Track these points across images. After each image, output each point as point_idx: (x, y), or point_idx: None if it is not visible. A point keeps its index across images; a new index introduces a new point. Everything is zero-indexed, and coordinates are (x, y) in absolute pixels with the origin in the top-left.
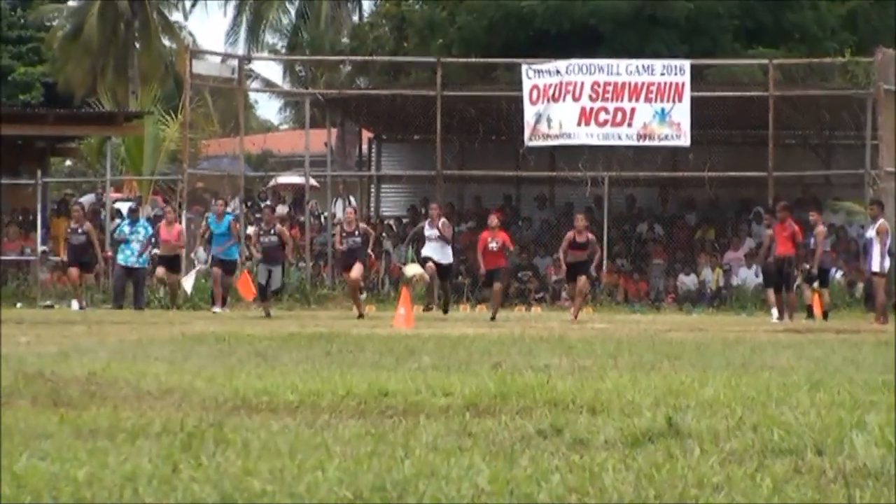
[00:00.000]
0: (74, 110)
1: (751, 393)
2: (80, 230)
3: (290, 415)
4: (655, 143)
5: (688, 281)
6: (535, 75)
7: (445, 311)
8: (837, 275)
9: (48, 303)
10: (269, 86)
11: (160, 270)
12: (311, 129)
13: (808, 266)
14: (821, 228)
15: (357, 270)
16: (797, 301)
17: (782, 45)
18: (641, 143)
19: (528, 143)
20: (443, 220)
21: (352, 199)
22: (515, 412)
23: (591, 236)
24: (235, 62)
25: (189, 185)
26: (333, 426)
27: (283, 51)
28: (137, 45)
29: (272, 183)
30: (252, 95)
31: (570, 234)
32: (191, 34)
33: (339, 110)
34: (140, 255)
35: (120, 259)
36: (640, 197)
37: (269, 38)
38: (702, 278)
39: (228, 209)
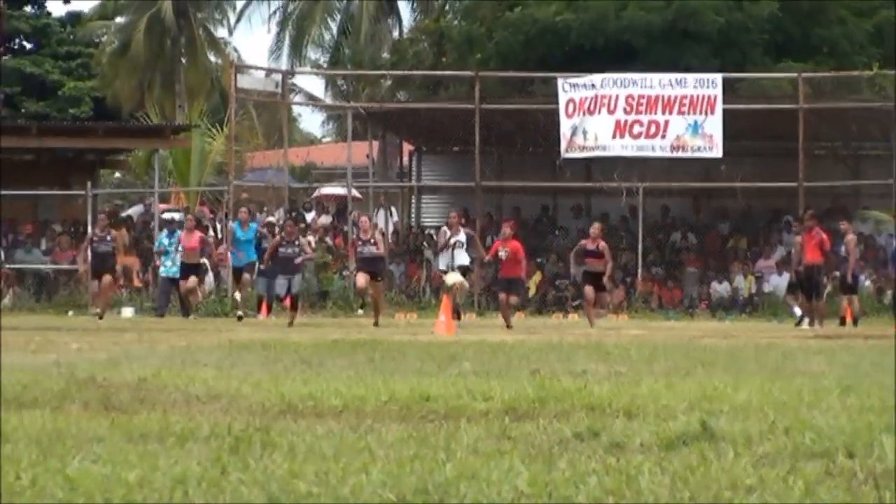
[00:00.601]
0: (123, 124)
1: (783, 397)
2: (107, 238)
3: (334, 419)
4: (688, 154)
5: (721, 288)
6: (571, 89)
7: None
8: (867, 282)
9: (99, 310)
10: (311, 100)
11: (192, 280)
12: (354, 141)
13: (837, 274)
14: (851, 237)
15: (377, 287)
16: (826, 308)
17: (811, 59)
18: (675, 154)
19: (565, 154)
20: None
21: (393, 209)
22: (553, 416)
23: (603, 245)
24: (279, 77)
25: (234, 197)
26: (377, 430)
27: (326, 66)
28: (184, 61)
29: (316, 194)
30: (295, 109)
31: (583, 242)
32: (235, 50)
33: (381, 123)
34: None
35: (162, 271)
36: (674, 207)
37: (312, 53)
38: (734, 286)
39: (272, 218)
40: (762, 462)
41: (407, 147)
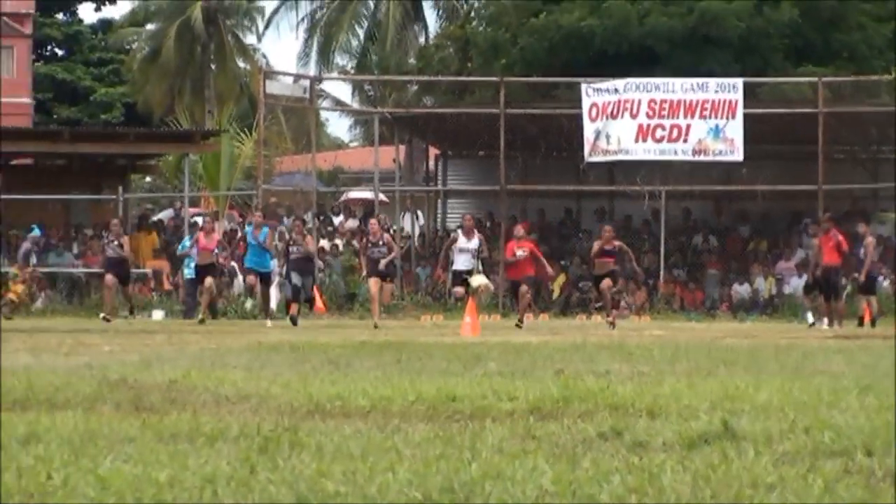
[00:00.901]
0: (153, 129)
1: (803, 397)
2: (116, 243)
3: (361, 419)
4: (710, 158)
5: (741, 290)
6: (595, 93)
7: None
8: (885, 283)
9: (124, 314)
10: (339, 105)
11: (208, 281)
12: (380, 146)
13: (856, 275)
14: (870, 239)
15: (387, 296)
16: (845, 309)
17: (831, 64)
18: (696, 158)
19: (588, 158)
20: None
21: (419, 213)
22: (577, 416)
23: (618, 244)
24: (307, 82)
25: (263, 200)
26: (403, 430)
27: (353, 71)
28: (213, 67)
29: (343, 198)
30: (323, 114)
31: (598, 243)
32: (264, 56)
33: (407, 128)
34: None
35: (186, 273)
36: (696, 210)
37: (339, 59)
38: (755, 287)
39: (307, 224)
40: (782, 460)
41: (433, 151)
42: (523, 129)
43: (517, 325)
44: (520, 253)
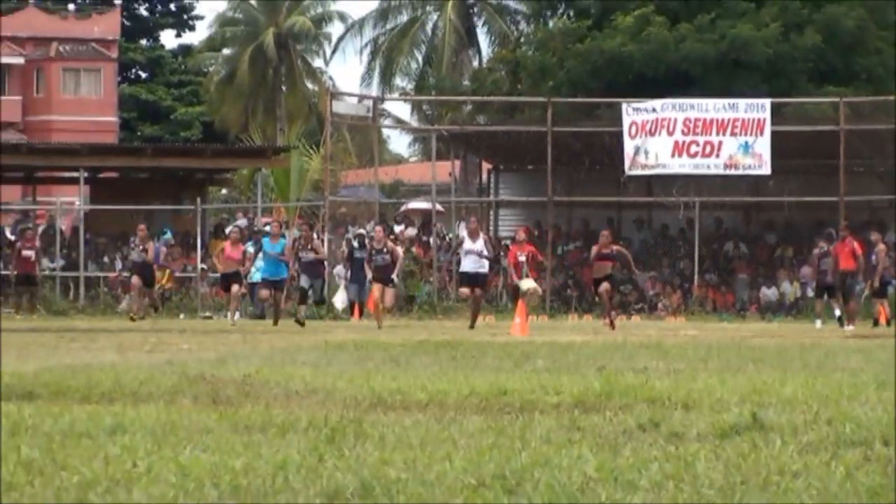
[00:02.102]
0: (229, 146)
1: (825, 391)
2: (142, 248)
3: (420, 412)
4: (740, 172)
5: (769, 293)
6: (634, 113)
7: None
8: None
9: (207, 314)
10: (399, 123)
11: (234, 288)
12: (437, 160)
13: (870, 280)
14: (882, 247)
15: (389, 299)
16: (858, 310)
17: (850, 85)
18: (728, 172)
19: (628, 172)
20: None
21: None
22: (618, 409)
23: (617, 248)
24: (370, 102)
25: (330, 211)
26: (459, 421)
27: (412, 92)
28: (284, 88)
29: (403, 208)
30: (385, 131)
31: (596, 248)
32: (331, 78)
33: (462, 144)
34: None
35: (250, 277)
36: (727, 219)
37: (399, 81)
38: (781, 290)
39: (363, 231)
40: (807, 449)
41: (486, 165)
42: (568, 145)
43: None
44: (522, 258)
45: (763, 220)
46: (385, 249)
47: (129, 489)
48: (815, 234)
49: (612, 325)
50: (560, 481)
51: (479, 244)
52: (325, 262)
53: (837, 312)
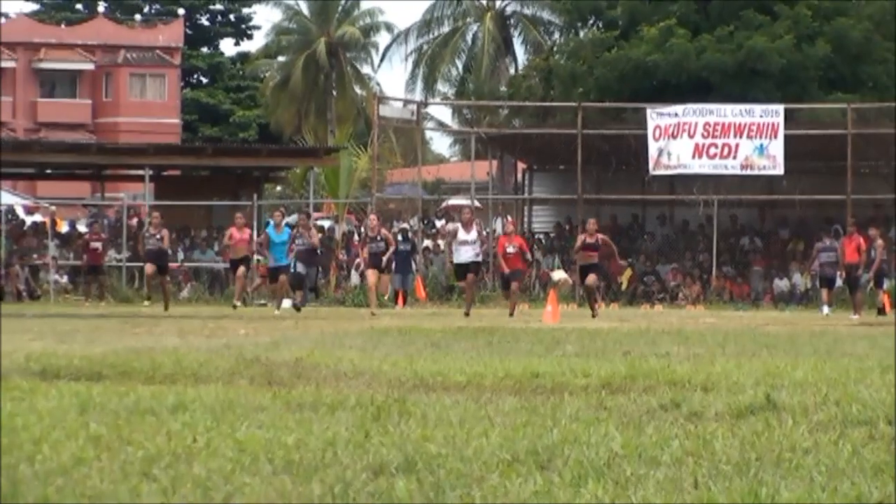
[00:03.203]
0: (283, 146)
1: (833, 375)
2: (157, 236)
3: (459, 392)
4: (755, 172)
5: (781, 284)
6: (658, 117)
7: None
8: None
9: (262, 302)
10: (441, 126)
11: (241, 270)
12: (476, 161)
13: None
14: (880, 242)
15: (384, 283)
16: (864, 300)
17: (858, 92)
18: (744, 172)
19: (652, 172)
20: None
21: (509, 217)
22: (642, 390)
23: (602, 237)
24: (414, 106)
25: (377, 207)
26: (494, 401)
27: (453, 97)
28: (334, 93)
29: (444, 205)
30: (428, 133)
31: (582, 237)
32: (378, 84)
33: (499, 146)
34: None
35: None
36: (743, 216)
37: (441, 86)
38: (793, 282)
39: (406, 225)
40: (817, 428)
41: (521, 165)
42: (597, 147)
43: (510, 315)
44: (510, 249)
45: (776, 217)
46: (379, 237)
47: (190, 463)
48: (824, 230)
49: (593, 314)
50: (588, 457)
51: (473, 234)
52: (319, 251)
53: (826, 309)
